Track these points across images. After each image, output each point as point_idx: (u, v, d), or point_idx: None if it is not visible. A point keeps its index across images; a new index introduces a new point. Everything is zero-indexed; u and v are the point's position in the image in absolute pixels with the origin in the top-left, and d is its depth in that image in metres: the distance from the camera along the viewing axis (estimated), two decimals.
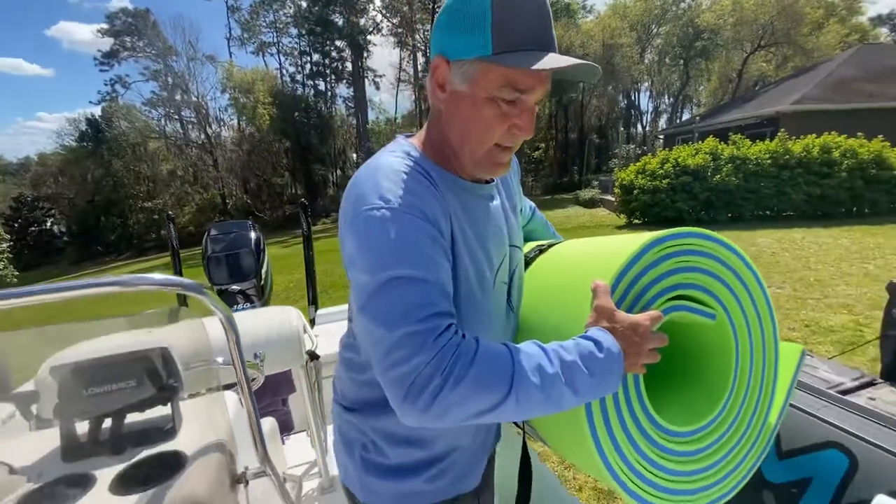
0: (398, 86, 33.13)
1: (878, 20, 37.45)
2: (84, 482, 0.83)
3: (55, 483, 0.83)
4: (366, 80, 32.25)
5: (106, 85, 29.51)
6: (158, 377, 0.94)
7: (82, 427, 0.91)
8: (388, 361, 0.59)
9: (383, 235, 0.62)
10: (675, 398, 0.85)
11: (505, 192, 0.89)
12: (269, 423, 1.58)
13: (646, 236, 0.73)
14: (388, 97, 77.00)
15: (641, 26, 28.77)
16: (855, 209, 10.68)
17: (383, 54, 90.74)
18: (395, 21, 30.63)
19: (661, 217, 11.01)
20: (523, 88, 0.68)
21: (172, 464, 0.86)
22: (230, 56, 31.50)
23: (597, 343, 0.63)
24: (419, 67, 31.90)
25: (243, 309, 2.64)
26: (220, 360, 1.12)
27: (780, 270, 6.40)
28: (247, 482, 0.94)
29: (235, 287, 2.62)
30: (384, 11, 30.68)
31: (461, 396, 0.57)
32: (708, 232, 0.77)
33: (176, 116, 29.32)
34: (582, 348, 0.63)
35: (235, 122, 30.39)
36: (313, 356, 1.78)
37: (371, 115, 32.37)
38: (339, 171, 31.70)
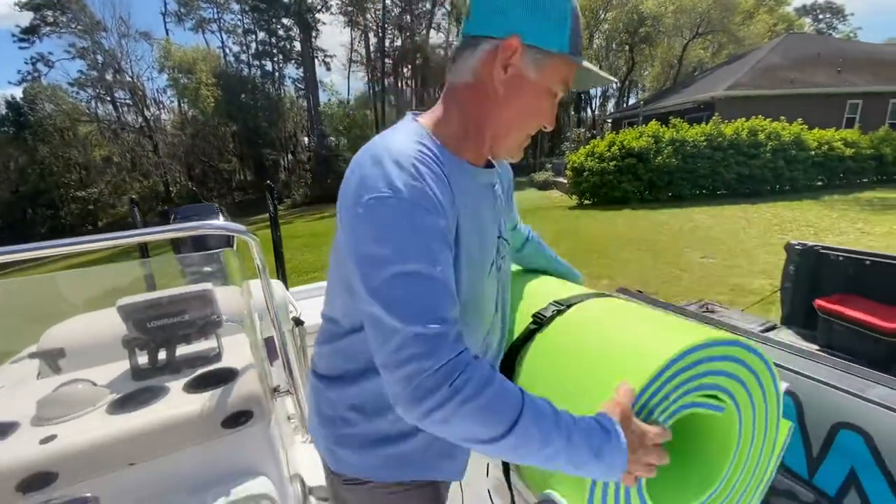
0: (350, 67, 32.31)
1: (803, 10, 40.36)
2: (159, 390, 1.05)
3: (136, 391, 1.05)
4: (316, 60, 31.20)
5: (27, 63, 26.82)
6: (204, 313, 1.18)
7: (146, 355, 1.15)
8: (399, 357, 0.57)
9: (396, 225, 0.60)
10: (671, 475, 0.81)
11: (503, 185, 0.91)
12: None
13: (682, 341, 0.72)
14: (339, 79, 74.64)
15: (590, 11, 29.47)
16: (777, 186, 11.75)
17: (333, 33, 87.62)
18: None
19: (609, 197, 11.63)
20: (570, 87, 0.73)
21: (226, 376, 1.09)
22: (167, 33, 29.49)
23: (607, 431, 0.62)
24: (371, 48, 31.21)
25: None
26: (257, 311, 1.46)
27: (713, 243, 7.04)
28: (277, 397, 1.22)
29: (208, 269, 2.68)
30: None
31: (463, 416, 0.57)
32: (747, 342, 0.77)
33: (108, 98, 27.17)
34: (593, 427, 0.62)
35: (176, 104, 28.63)
36: (298, 322, 1.94)
37: (323, 97, 31.42)
38: (290, 156, 30.69)
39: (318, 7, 29.89)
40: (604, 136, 13.95)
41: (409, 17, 30.69)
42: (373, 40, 31.10)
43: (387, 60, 30.93)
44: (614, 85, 36.09)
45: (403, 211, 0.60)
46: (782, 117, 12.07)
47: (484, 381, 0.58)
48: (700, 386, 0.76)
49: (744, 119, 11.88)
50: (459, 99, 0.73)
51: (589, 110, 35.79)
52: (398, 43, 30.92)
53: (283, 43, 30.44)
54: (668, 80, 29.25)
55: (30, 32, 25.79)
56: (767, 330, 2.40)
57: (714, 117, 12.22)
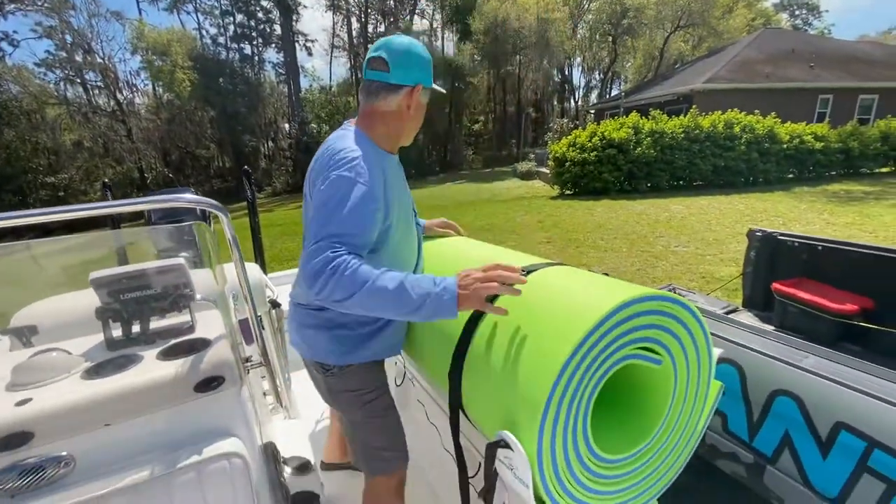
0: (332, 52, 31.71)
1: (780, 6, 41.09)
2: (133, 358, 1.10)
3: (110, 359, 1.09)
4: (297, 44, 30.54)
5: None
6: (177, 286, 1.22)
7: (119, 326, 1.19)
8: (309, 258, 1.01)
9: (348, 194, 1.05)
10: (616, 425, 0.95)
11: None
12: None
13: (622, 295, 0.82)
14: (321, 64, 73.09)
15: (574, 1, 29.50)
16: (751, 178, 12.09)
17: (314, 17, 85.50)
18: None
19: (590, 188, 11.80)
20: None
21: (198, 345, 1.14)
22: (139, 13, 28.36)
23: (436, 281, 0.99)
24: (354, 33, 30.67)
25: None
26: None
27: (687, 232, 7.25)
28: (248, 369, 1.26)
29: (184, 254, 2.67)
30: None
31: (332, 289, 0.95)
32: (674, 297, 0.87)
33: (78, 80, 26.12)
34: (425, 280, 0.99)
35: (150, 87, 27.70)
36: (275, 304, 1.97)
37: (304, 83, 30.86)
38: (270, 143, 30.11)
39: None
40: (586, 126, 14.10)
41: (392, 2, 30.20)
42: (355, 25, 30.57)
43: (369, 46, 30.44)
44: (597, 76, 36.37)
45: (355, 186, 1.06)
46: (757, 111, 12.38)
47: (353, 267, 0.96)
48: (637, 339, 0.84)
49: (720, 112, 12.15)
50: (385, 119, 1.20)
51: (573, 101, 35.99)
52: (381, 28, 30.43)
53: (262, 26, 29.67)
54: (650, 72, 29.57)
55: None
56: (729, 312, 2.53)
57: (692, 110, 12.46)
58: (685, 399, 0.93)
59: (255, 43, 29.81)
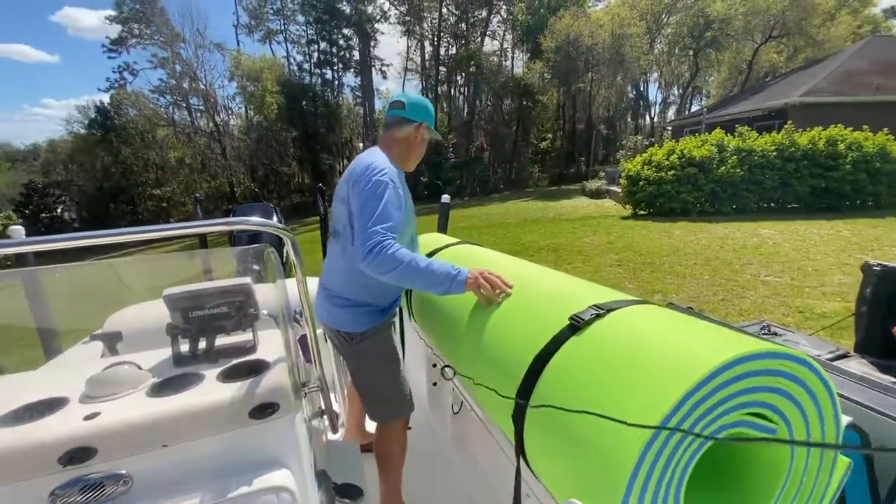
0: (405, 75, 33.06)
1: (892, 12, 36.69)
2: (195, 377, 1.12)
3: (175, 377, 1.12)
4: (373, 68, 32.23)
5: (114, 72, 29.60)
6: (242, 306, 1.25)
7: (187, 342, 1.22)
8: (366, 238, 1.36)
9: (384, 192, 1.42)
10: (715, 498, 0.81)
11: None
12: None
13: (733, 349, 0.69)
14: (394, 86, 76.58)
15: (651, 16, 28.47)
16: (858, 202, 10.74)
17: (390, 42, 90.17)
18: (402, 9, 30.48)
19: (666, 208, 11.11)
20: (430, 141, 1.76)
21: (258, 367, 1.15)
22: (238, 44, 31.53)
23: (454, 267, 1.37)
24: (426, 56, 31.79)
25: None
26: (293, 310, 1.62)
27: (779, 260, 6.54)
28: (306, 393, 1.26)
29: (257, 268, 2.84)
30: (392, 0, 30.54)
31: (379, 263, 1.33)
32: (799, 355, 0.72)
33: (184, 104, 29.45)
34: (445, 265, 1.37)
35: (243, 110, 30.50)
36: None
37: (378, 104, 32.37)
38: (345, 161, 31.78)
39: (377, 17, 30.92)
40: (662, 144, 13.38)
41: (464, 25, 31.00)
42: (428, 49, 31.69)
43: (441, 68, 31.39)
44: (676, 91, 34.63)
45: (387, 185, 1.44)
46: (865, 126, 11.03)
47: (396, 248, 1.34)
48: (749, 402, 0.70)
49: (821, 128, 10.97)
50: (399, 143, 1.64)
51: (648, 117, 34.48)
52: (453, 51, 31.30)
53: (342, 52, 31.68)
54: (736, 87, 27.61)
55: (118, 44, 28.49)
56: (838, 358, 2.19)
57: (787, 125, 11.37)
58: (802, 480, 0.77)
59: (335, 68, 31.88)
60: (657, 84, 35.21)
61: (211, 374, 1.13)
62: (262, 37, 31.00)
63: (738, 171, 10.63)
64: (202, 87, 28.69)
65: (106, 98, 29.12)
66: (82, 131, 29.30)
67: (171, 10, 28.54)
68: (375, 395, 1.69)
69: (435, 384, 2.17)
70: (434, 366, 2.10)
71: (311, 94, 29.66)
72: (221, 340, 1.26)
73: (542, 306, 1.16)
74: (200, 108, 29.54)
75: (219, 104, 29.47)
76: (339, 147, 31.13)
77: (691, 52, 28.59)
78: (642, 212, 11.86)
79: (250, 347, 1.26)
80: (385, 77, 35.81)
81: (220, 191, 29.16)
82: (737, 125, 12.19)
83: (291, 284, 1.40)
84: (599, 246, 8.45)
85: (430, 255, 1.77)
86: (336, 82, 32.19)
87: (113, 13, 28.10)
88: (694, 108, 30.72)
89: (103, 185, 28.24)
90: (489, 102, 31.74)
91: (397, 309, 1.81)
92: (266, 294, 1.46)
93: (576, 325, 0.93)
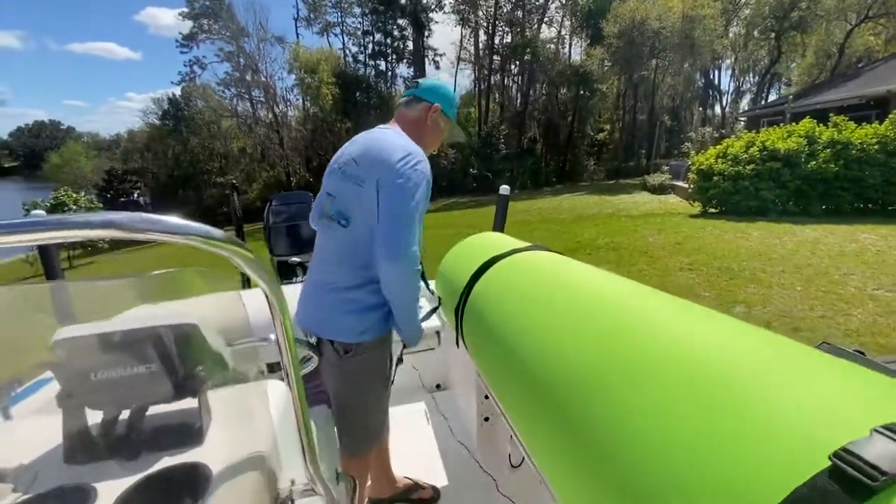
0: (458, 65, 32.60)
1: None
2: (81, 498, 0.66)
3: (44, 498, 0.66)
4: (426, 59, 32.02)
5: (185, 66, 31.41)
6: (184, 362, 0.74)
7: (90, 421, 0.74)
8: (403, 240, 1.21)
9: (420, 191, 1.24)
10: None
11: None
12: (324, 415, 1.47)
13: None
14: (446, 76, 76.28)
15: None
16: None
17: (444, 32, 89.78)
18: None
19: (743, 207, 10.02)
20: (447, 136, 1.56)
21: (194, 482, 0.66)
22: (297, 37, 32.36)
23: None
24: (480, 45, 31.12)
25: (301, 282, 2.61)
26: (271, 336, 0.94)
27: (890, 272, 5.58)
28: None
29: (296, 259, 2.59)
30: None
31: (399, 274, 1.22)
32: None
33: (246, 96, 30.71)
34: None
35: (300, 101, 31.34)
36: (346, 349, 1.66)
37: None
38: None
39: (433, 6, 30.60)
40: (736, 136, 12.13)
41: (520, 12, 30.00)
42: (482, 37, 31.00)
43: (495, 57, 30.62)
44: (751, 78, 31.82)
45: (423, 175, 1.26)
46: None
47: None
48: None
49: None
50: (410, 123, 1.43)
51: (718, 107, 31.94)
52: (508, 39, 30.41)
53: (396, 43, 31.71)
54: (824, 73, 24.83)
55: (189, 39, 30.08)
56: None
57: (891, 115, 9.88)
58: None
59: (389, 59, 31.99)
60: (730, 71, 32.52)
61: (110, 491, 0.66)
62: (321, 29, 31.65)
63: (832, 166, 9.36)
64: (263, 79, 29.76)
65: (178, 91, 30.99)
66: (156, 122, 31.39)
67: (237, 5, 29.73)
68: (358, 423, 1.40)
69: (487, 419, 1.79)
70: (486, 398, 1.73)
71: (364, 85, 29.97)
72: (152, 411, 0.77)
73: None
74: (261, 99, 30.70)
75: (278, 96, 30.48)
76: None
77: (772, 35, 25.99)
78: (713, 209, 10.81)
79: (195, 430, 0.76)
80: (438, 67, 35.47)
81: (278, 179, 30.24)
82: (829, 114, 10.76)
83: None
84: (666, 246, 7.69)
85: (492, 263, 1.35)
86: (389, 73, 32.33)
87: (186, 10, 29.72)
88: (772, 98, 28.04)
89: (174, 172, 30.17)
90: (544, 92, 30.61)
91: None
92: (232, 318, 0.96)
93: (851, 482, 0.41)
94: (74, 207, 18.33)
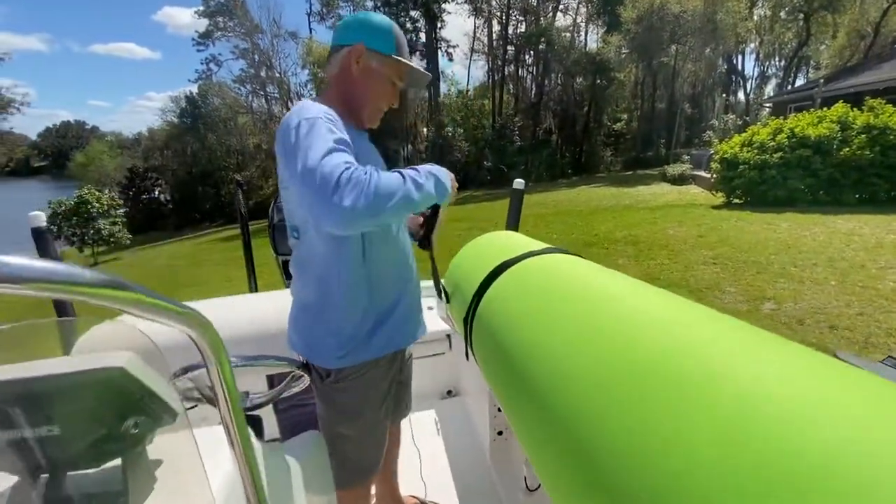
0: (471, 56, 32.16)
1: None
2: None
3: None
4: (439, 51, 31.66)
5: (202, 64, 31.74)
6: (104, 416, 0.57)
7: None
8: (318, 170, 0.86)
9: (322, 129, 0.92)
10: None
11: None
12: (312, 439, 1.31)
13: None
14: (460, 68, 75.66)
15: None
16: None
17: (457, 23, 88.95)
18: None
19: (770, 197, 9.58)
20: (404, 82, 1.18)
21: None
22: (310, 32, 32.33)
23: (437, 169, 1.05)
24: (494, 35, 30.62)
25: None
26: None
27: None
28: None
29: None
30: None
31: (376, 190, 0.86)
32: None
33: (261, 92, 30.89)
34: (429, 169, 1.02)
35: (314, 96, 31.36)
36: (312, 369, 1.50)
37: (443, 88, 31.84)
38: (409, 146, 31.77)
39: None
40: (764, 123, 11.61)
41: (535, 0, 29.38)
42: (496, 28, 30.48)
43: (509, 47, 30.09)
44: (777, 62, 30.60)
45: (325, 122, 0.95)
46: None
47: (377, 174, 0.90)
48: None
49: None
50: (334, 83, 1.13)
51: (741, 94, 30.88)
52: (522, 29, 29.84)
53: (409, 35, 31.38)
54: (856, 55, 23.68)
55: (205, 37, 30.32)
56: None
57: None
58: None
59: None
60: (754, 55, 31.34)
61: None
62: (333, 23, 31.54)
63: (868, 153, 8.85)
64: (277, 75, 29.87)
65: (195, 89, 31.35)
66: (175, 120, 31.85)
67: (251, 2, 29.85)
68: (348, 454, 1.25)
69: (501, 433, 1.64)
70: (500, 410, 1.58)
71: None
72: (75, 474, 0.59)
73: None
74: (276, 95, 30.83)
75: (292, 91, 30.56)
76: (403, 132, 31.11)
77: (801, 17, 24.88)
78: (738, 200, 10.37)
79: (117, 500, 0.58)
80: (451, 59, 35.19)
81: None
82: (865, 97, 10.18)
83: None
84: (688, 239, 7.38)
85: (504, 268, 1.17)
86: None
87: (201, 8, 29.97)
88: (799, 83, 26.94)
89: (193, 169, 30.63)
90: (559, 82, 29.99)
91: (401, 344, 1.22)
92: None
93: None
94: (97, 205, 18.75)
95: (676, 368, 0.57)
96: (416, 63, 1.15)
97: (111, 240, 19.27)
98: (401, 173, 0.94)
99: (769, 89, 31.08)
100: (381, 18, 1.10)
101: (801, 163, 9.26)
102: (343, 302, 1.09)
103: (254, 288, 2.48)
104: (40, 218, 1.58)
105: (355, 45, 1.07)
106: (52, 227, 18.05)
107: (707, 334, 0.63)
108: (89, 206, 18.45)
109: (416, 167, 0.99)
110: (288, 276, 2.61)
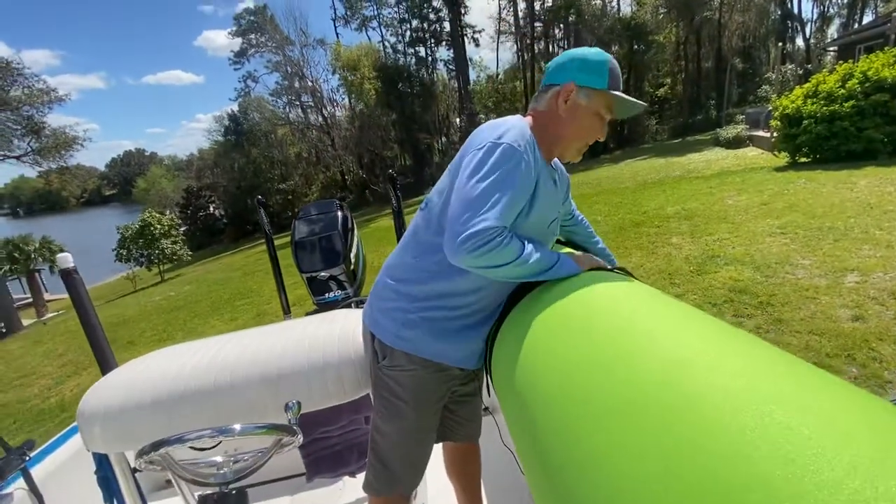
0: (498, 38, 31.38)
1: None
2: None
3: None
4: (465, 38, 31.12)
5: (240, 82, 33.11)
6: None
7: None
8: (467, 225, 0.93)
9: (511, 173, 0.96)
10: None
11: (560, 183, 1.22)
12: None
13: None
14: (487, 52, 74.31)
15: None
16: None
17: (481, 7, 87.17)
18: None
19: (841, 152, 8.62)
20: (612, 114, 1.12)
21: None
22: (337, 36, 32.94)
23: (559, 254, 1.02)
24: (520, 14, 29.67)
25: (335, 298, 2.43)
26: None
27: None
28: None
29: (324, 274, 2.42)
30: None
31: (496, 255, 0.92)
32: None
33: (297, 102, 31.77)
34: (553, 252, 1.02)
35: (346, 100, 31.90)
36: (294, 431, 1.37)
37: (472, 75, 31.32)
38: (443, 138, 31.59)
39: None
40: (828, 70, 10.45)
41: None
42: (521, 5, 29.50)
43: (537, 24, 29.06)
44: (840, 0, 27.61)
45: (515, 156, 0.98)
46: None
47: (510, 238, 0.95)
48: None
49: None
50: (539, 120, 1.12)
51: (800, 40, 28.12)
52: (549, 3, 28.70)
53: (433, 26, 31.09)
54: None
55: (240, 55, 31.57)
56: None
57: None
58: None
59: (428, 44, 31.50)
60: None
61: None
62: (358, 25, 31.81)
63: None
64: (309, 83, 30.58)
65: (235, 106, 32.77)
66: (220, 139, 33.48)
67: (278, 16, 30.64)
68: (379, 453, 1.23)
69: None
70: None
71: (405, 74, 29.80)
72: None
73: None
74: (310, 104, 31.61)
75: (325, 98, 31.21)
76: (436, 125, 30.98)
77: None
78: (804, 159, 9.42)
79: None
80: (478, 45, 34.40)
81: (333, 180, 31.19)
82: None
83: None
84: (750, 209, 6.76)
85: (528, 289, 1.08)
86: (429, 58, 31.86)
87: (233, 28, 31.19)
88: (867, 20, 24.10)
89: (241, 183, 32.11)
90: None
91: (472, 364, 1.18)
92: None
93: None
94: (159, 227, 20.10)
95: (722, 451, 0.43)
96: (625, 95, 1.10)
97: (174, 257, 20.63)
98: (539, 260, 0.97)
99: (832, 31, 28.06)
100: (596, 53, 1.09)
101: (878, 109, 8.24)
102: (438, 295, 1.10)
103: (286, 310, 2.46)
104: (67, 259, 1.60)
105: (565, 84, 1.08)
106: (121, 250, 19.63)
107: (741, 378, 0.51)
108: (152, 228, 19.81)
109: (569, 256, 1.03)
110: (315, 293, 2.58)
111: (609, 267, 1.11)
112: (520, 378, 0.83)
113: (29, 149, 22.40)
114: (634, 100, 1.10)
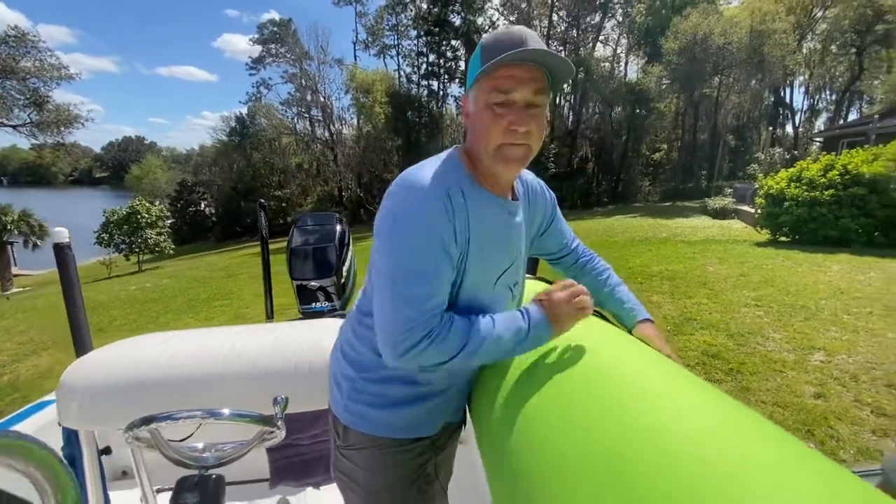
0: None
1: None
2: None
3: None
4: None
5: (253, 87, 33.61)
6: None
7: None
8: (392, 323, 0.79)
9: (407, 234, 0.79)
10: None
11: (529, 214, 1.05)
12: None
13: None
14: None
15: (802, 9, 24.53)
16: None
17: None
18: (511, 18, 30.18)
19: (818, 236, 9.06)
20: (506, 88, 0.80)
21: None
22: (355, 59, 33.76)
23: (524, 313, 0.83)
24: None
25: (321, 309, 2.47)
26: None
27: None
28: None
29: (315, 284, 2.47)
30: (501, 9, 30.42)
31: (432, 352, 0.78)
32: None
33: (306, 115, 32.27)
34: (514, 318, 0.83)
35: (355, 120, 32.50)
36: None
37: None
38: None
39: (486, 28, 30.93)
40: (814, 158, 11.09)
41: (575, 31, 29.69)
42: None
43: None
44: (828, 96, 29.50)
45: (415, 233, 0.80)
46: None
47: (447, 326, 0.79)
48: None
49: None
50: (467, 137, 0.91)
51: (789, 127, 29.79)
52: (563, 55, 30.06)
53: (449, 63, 32.25)
54: None
55: (258, 62, 32.18)
56: None
57: None
58: None
59: (441, 79, 32.56)
60: (803, 88, 30.29)
61: None
62: (378, 52, 32.83)
63: None
64: (321, 99, 31.18)
65: (245, 109, 33.13)
66: (224, 138, 33.64)
67: (302, 31, 31.55)
68: None
69: None
70: None
71: (416, 104, 30.60)
72: None
73: None
74: (319, 118, 32.12)
75: (335, 115, 31.78)
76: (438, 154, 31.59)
77: (853, 51, 23.98)
78: (784, 238, 9.86)
79: None
80: None
81: (330, 194, 31.32)
82: None
83: None
84: (729, 278, 7.02)
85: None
86: (440, 93, 32.84)
87: (256, 36, 31.95)
88: (852, 117, 25.75)
89: (237, 185, 32.07)
90: (597, 110, 29.90)
91: (432, 431, 0.99)
92: None
93: None
94: (147, 216, 19.83)
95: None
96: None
97: (156, 249, 20.26)
98: (499, 339, 0.80)
99: (819, 123, 29.86)
100: (483, 44, 0.85)
101: (854, 202, 8.75)
102: (373, 371, 0.94)
103: (270, 314, 2.48)
104: (63, 234, 1.57)
105: (467, 91, 0.90)
106: (104, 234, 19.23)
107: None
108: (139, 217, 19.54)
109: (539, 308, 0.83)
110: (302, 301, 2.62)
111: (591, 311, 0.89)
112: (498, 412, 0.83)
113: (28, 120, 22.23)
114: (520, 49, 0.77)
